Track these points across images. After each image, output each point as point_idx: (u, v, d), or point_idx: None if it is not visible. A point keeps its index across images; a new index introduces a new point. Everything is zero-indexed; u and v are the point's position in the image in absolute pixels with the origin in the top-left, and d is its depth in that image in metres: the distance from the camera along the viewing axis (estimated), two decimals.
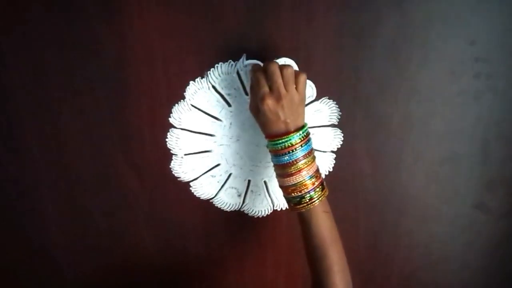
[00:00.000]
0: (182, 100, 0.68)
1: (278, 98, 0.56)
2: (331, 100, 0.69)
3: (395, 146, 0.72)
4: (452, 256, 0.81)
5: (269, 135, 0.60)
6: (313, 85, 0.67)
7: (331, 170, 0.73)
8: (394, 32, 0.65)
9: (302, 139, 0.58)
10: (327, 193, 0.61)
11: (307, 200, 0.58)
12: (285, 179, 0.59)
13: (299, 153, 0.58)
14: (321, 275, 0.58)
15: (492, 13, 0.64)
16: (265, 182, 0.74)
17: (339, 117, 0.70)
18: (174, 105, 0.69)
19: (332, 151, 0.72)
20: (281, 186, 0.62)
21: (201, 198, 0.75)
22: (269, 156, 0.71)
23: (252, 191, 0.75)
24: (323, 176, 0.72)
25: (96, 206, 0.77)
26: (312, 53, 0.66)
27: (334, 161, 0.73)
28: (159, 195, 0.76)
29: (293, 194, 0.59)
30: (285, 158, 0.58)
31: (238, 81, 0.67)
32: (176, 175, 0.74)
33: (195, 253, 0.81)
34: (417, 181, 0.75)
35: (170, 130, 0.70)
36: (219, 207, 0.76)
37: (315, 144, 0.71)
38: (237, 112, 0.69)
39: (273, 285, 0.84)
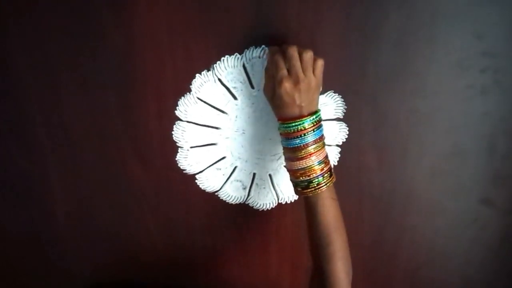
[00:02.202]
0: (188, 93, 0.69)
1: (296, 82, 0.56)
2: (337, 94, 0.69)
3: (401, 141, 0.72)
4: (457, 251, 0.81)
5: (282, 117, 0.60)
6: None
7: (336, 164, 0.73)
8: (400, 26, 0.64)
9: (314, 124, 0.58)
10: (334, 179, 0.62)
11: (315, 185, 0.59)
12: (294, 162, 0.60)
13: (310, 137, 0.58)
14: (323, 262, 0.59)
15: (499, 7, 0.64)
16: (270, 175, 0.75)
17: (345, 111, 0.70)
18: (180, 98, 0.69)
19: (338, 145, 0.72)
20: (289, 170, 0.63)
21: (206, 190, 0.76)
22: (274, 150, 0.72)
23: (257, 184, 0.75)
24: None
25: (102, 198, 0.78)
26: (318, 47, 0.66)
27: (339, 155, 0.73)
28: (165, 188, 0.77)
29: (301, 178, 0.60)
30: (296, 141, 0.58)
31: (244, 74, 0.67)
32: (181, 167, 0.74)
33: (200, 245, 0.82)
34: (422, 176, 0.75)
35: (176, 123, 0.71)
36: (224, 200, 0.77)
37: None
38: (243, 105, 0.69)
39: (278, 277, 0.84)
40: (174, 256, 0.84)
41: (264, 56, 0.65)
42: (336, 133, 0.71)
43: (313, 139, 0.58)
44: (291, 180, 0.63)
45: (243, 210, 0.77)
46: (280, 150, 0.72)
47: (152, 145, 0.73)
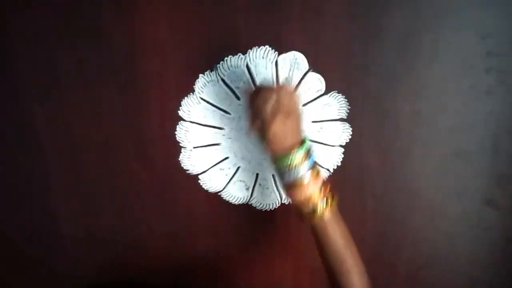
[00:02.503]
0: (191, 93, 0.69)
1: (271, 119, 0.56)
2: (340, 94, 0.68)
3: (404, 141, 0.72)
4: (460, 252, 0.81)
5: (272, 155, 0.59)
6: (322, 79, 0.67)
7: (339, 164, 0.73)
8: (404, 26, 0.64)
9: (305, 154, 0.58)
10: (337, 198, 0.60)
11: (319, 212, 0.58)
12: (293, 193, 0.59)
13: (304, 168, 0.57)
14: (340, 279, 0.59)
15: (504, 7, 0.63)
16: (273, 175, 0.74)
17: (348, 111, 0.69)
18: (183, 98, 0.69)
19: (341, 145, 0.72)
20: (290, 201, 0.62)
21: (209, 191, 0.76)
22: None
23: (260, 184, 0.75)
24: (331, 170, 0.72)
25: (104, 198, 0.78)
26: (321, 47, 0.66)
27: (342, 155, 0.73)
28: (167, 187, 0.77)
29: (303, 208, 0.59)
30: (291, 175, 0.58)
31: (248, 74, 0.67)
32: (184, 167, 0.74)
33: (202, 245, 0.82)
34: (425, 176, 0.74)
35: (179, 123, 0.71)
36: (227, 200, 0.77)
37: (324, 138, 0.71)
38: (246, 106, 0.69)
39: (280, 278, 0.84)
40: (176, 256, 0.84)
41: (268, 57, 0.65)
42: (339, 134, 0.71)
43: (307, 169, 0.57)
44: (295, 211, 0.62)
45: (246, 210, 0.77)
46: None
47: (155, 145, 0.73)
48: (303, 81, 0.67)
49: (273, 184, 0.75)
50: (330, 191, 0.60)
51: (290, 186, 0.59)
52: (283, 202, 0.76)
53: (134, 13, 0.64)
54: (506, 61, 0.66)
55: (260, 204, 0.77)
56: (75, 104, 0.71)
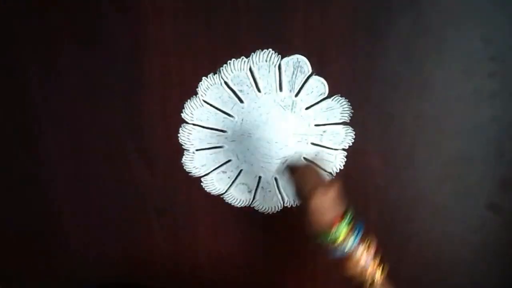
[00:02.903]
0: (194, 96, 0.69)
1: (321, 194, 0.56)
2: (343, 98, 0.68)
3: (407, 145, 0.72)
4: (463, 255, 0.81)
5: (317, 233, 0.58)
6: (325, 82, 0.67)
7: (342, 167, 0.73)
8: (408, 30, 0.64)
9: (350, 227, 0.56)
10: (387, 268, 0.59)
11: (375, 281, 0.57)
12: (347, 268, 0.58)
13: (351, 243, 0.56)
14: None
15: (507, 12, 0.63)
16: (275, 178, 0.74)
17: (351, 115, 0.69)
18: (186, 101, 0.69)
19: (344, 149, 0.72)
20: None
21: (211, 193, 0.76)
22: (280, 153, 0.72)
23: (262, 187, 0.75)
24: (333, 174, 0.72)
25: (108, 201, 0.79)
26: (325, 51, 0.66)
27: (345, 159, 0.72)
28: (170, 189, 0.77)
29: (360, 277, 0.58)
30: (339, 251, 0.56)
31: (251, 78, 0.67)
32: (187, 170, 0.74)
33: (204, 247, 0.82)
34: (428, 180, 0.74)
35: (182, 125, 0.71)
36: (229, 202, 0.77)
37: (326, 141, 0.71)
38: (249, 109, 0.69)
39: (283, 280, 0.84)
40: (178, 258, 0.84)
41: (271, 60, 0.65)
42: (342, 137, 0.71)
43: (355, 244, 0.56)
44: (351, 279, 0.60)
45: (249, 213, 0.77)
46: (286, 153, 0.72)
47: (157, 147, 0.73)
48: (306, 84, 0.67)
49: (276, 187, 0.75)
50: (379, 257, 0.59)
51: (342, 261, 0.57)
52: (285, 205, 0.76)
53: (138, 16, 0.65)
54: (510, 66, 0.65)
55: (263, 207, 0.77)
56: (78, 106, 0.71)
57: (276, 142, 0.71)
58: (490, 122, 0.70)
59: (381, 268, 0.58)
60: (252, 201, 0.76)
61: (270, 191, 0.75)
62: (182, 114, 0.70)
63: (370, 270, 0.57)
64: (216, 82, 0.68)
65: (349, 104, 0.69)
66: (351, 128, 0.70)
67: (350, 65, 0.66)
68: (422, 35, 0.64)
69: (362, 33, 0.64)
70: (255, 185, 0.75)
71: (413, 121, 0.70)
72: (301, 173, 0.58)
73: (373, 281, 0.57)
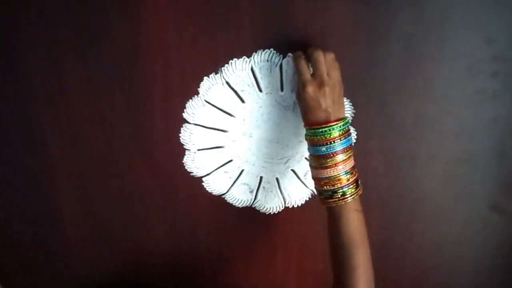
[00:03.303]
0: (196, 96, 0.69)
1: (321, 85, 0.56)
2: (345, 98, 0.68)
3: (409, 145, 0.71)
4: (465, 257, 0.80)
5: (308, 122, 0.59)
6: None
7: None
8: (410, 29, 0.64)
9: (342, 132, 0.57)
10: (361, 191, 0.59)
11: (339, 196, 0.57)
12: (320, 171, 0.58)
13: (338, 146, 0.56)
14: (344, 276, 0.57)
15: (510, 11, 0.63)
16: (277, 179, 0.74)
17: (353, 115, 0.69)
18: (188, 101, 0.69)
19: None
20: (314, 177, 0.61)
21: (213, 193, 0.76)
22: (282, 153, 0.72)
23: (264, 187, 0.75)
24: None
25: (110, 198, 0.79)
26: (326, 50, 0.65)
27: None
28: (171, 190, 0.77)
29: (325, 187, 0.58)
30: (323, 149, 0.57)
31: (252, 78, 0.67)
32: (188, 170, 0.74)
33: (206, 248, 0.82)
34: (430, 180, 0.74)
35: (183, 125, 0.71)
36: (230, 203, 0.76)
37: None
38: (251, 108, 0.69)
39: (284, 282, 0.84)
40: (179, 258, 0.84)
41: (273, 60, 0.65)
42: None
43: (341, 148, 0.57)
44: (315, 187, 0.62)
45: (250, 213, 0.77)
46: (287, 153, 0.72)
47: (159, 147, 0.73)
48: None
49: (277, 188, 0.75)
50: (356, 181, 0.59)
51: (321, 161, 0.57)
52: (286, 205, 0.76)
53: (139, 15, 0.65)
54: None
55: (264, 207, 0.76)
56: (80, 105, 0.71)
57: (277, 142, 0.71)
58: (493, 123, 0.69)
59: (355, 187, 0.58)
60: (254, 201, 0.76)
61: (271, 191, 0.75)
62: (183, 114, 0.70)
63: (344, 181, 0.57)
64: (218, 82, 0.68)
65: (351, 104, 0.68)
66: (352, 128, 0.70)
67: (351, 64, 0.66)
68: (423, 35, 0.64)
69: (363, 32, 0.64)
70: (257, 185, 0.75)
71: (414, 121, 0.69)
72: (301, 61, 0.58)
73: (344, 194, 0.57)
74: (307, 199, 0.76)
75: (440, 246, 0.79)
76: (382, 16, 0.63)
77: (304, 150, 0.71)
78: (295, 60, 0.60)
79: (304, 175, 0.74)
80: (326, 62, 0.57)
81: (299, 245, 0.80)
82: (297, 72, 0.59)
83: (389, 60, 0.66)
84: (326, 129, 0.56)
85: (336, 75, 0.57)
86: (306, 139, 0.61)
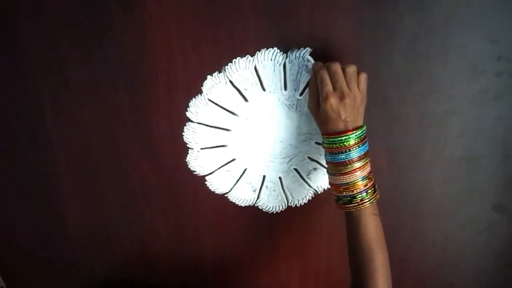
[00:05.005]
0: (199, 94, 0.69)
1: (341, 97, 0.57)
2: None
3: (412, 144, 0.71)
4: (468, 257, 0.80)
5: (327, 132, 0.60)
6: None
7: None
8: (414, 29, 0.64)
9: (360, 140, 0.58)
10: (378, 196, 0.61)
11: (358, 201, 0.59)
12: (338, 177, 0.60)
13: (355, 153, 0.58)
14: (364, 279, 0.58)
15: None
16: (280, 178, 0.74)
17: None
18: (191, 99, 0.69)
19: None
20: (332, 184, 0.63)
21: (216, 192, 0.76)
22: (285, 152, 0.72)
23: (267, 186, 0.75)
24: None
25: (113, 197, 0.79)
26: (329, 49, 0.65)
27: None
28: (174, 188, 0.77)
29: (344, 193, 0.60)
30: (341, 156, 0.58)
31: (256, 76, 0.67)
32: (192, 168, 0.74)
33: (209, 247, 0.82)
34: (434, 180, 0.74)
35: (187, 124, 0.71)
36: (233, 202, 0.77)
37: None
38: (254, 107, 0.69)
39: (286, 281, 0.84)
40: (182, 257, 0.84)
41: (276, 59, 0.65)
42: None
43: (358, 155, 0.58)
44: (334, 194, 0.63)
45: (253, 212, 0.77)
46: (290, 153, 0.72)
47: (162, 146, 0.74)
48: (310, 69, 0.66)
49: (280, 187, 0.75)
50: (374, 186, 0.61)
51: (339, 168, 0.59)
52: (289, 204, 0.76)
53: (143, 14, 0.65)
54: None
55: (267, 206, 0.76)
56: (84, 104, 0.71)
57: (280, 141, 0.71)
58: (497, 122, 0.69)
59: (372, 191, 0.60)
60: (256, 200, 0.76)
61: (274, 190, 0.75)
62: (187, 112, 0.70)
63: (361, 186, 0.58)
64: (221, 81, 0.68)
65: None
66: None
67: (355, 63, 0.66)
68: (427, 35, 0.64)
69: (367, 32, 0.64)
70: (259, 184, 0.75)
71: (418, 120, 0.69)
72: (324, 73, 0.59)
73: (362, 199, 0.58)
74: (310, 198, 0.76)
75: (444, 245, 0.79)
76: (386, 17, 0.63)
77: (307, 149, 0.71)
78: (318, 71, 0.60)
79: (307, 175, 0.74)
80: (346, 74, 0.57)
81: (301, 245, 0.80)
82: (319, 83, 0.59)
83: (394, 60, 0.66)
84: (344, 137, 0.58)
85: (354, 88, 0.57)
86: (323, 147, 0.62)
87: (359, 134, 0.58)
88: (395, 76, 0.67)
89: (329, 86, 0.57)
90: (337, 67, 0.58)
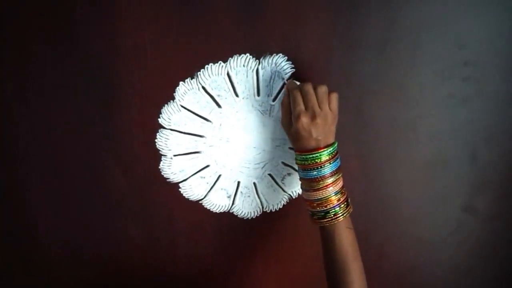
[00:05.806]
0: (171, 101, 0.68)
1: (313, 117, 0.58)
2: None
3: (384, 148, 0.72)
4: (440, 258, 0.82)
5: (299, 149, 0.61)
6: None
7: None
8: (383, 35, 0.65)
9: (331, 156, 0.59)
10: (351, 210, 0.62)
11: (332, 215, 0.60)
12: (311, 193, 0.61)
13: (327, 169, 0.59)
14: None
15: (482, 18, 0.65)
16: (254, 183, 0.74)
17: None
18: (164, 106, 0.68)
19: None
20: (305, 200, 0.63)
21: (190, 199, 0.75)
22: (259, 158, 0.71)
23: (241, 192, 0.75)
24: None
25: (85, 205, 0.77)
26: (300, 55, 0.66)
27: None
28: (148, 196, 0.76)
29: (318, 208, 0.61)
30: (313, 173, 0.59)
31: (229, 82, 0.67)
32: (165, 176, 0.73)
33: (183, 254, 0.81)
34: (405, 183, 0.75)
35: (159, 130, 0.70)
36: (208, 208, 0.76)
37: None
38: (227, 113, 0.69)
39: (263, 285, 0.83)
40: (157, 265, 0.82)
41: (249, 65, 0.65)
42: None
43: (330, 171, 0.59)
44: (308, 210, 0.63)
45: (228, 218, 0.77)
46: (264, 158, 0.72)
47: (134, 153, 0.72)
48: (284, 89, 0.67)
49: (255, 192, 0.75)
50: (346, 200, 0.62)
51: (312, 184, 0.60)
52: (264, 210, 0.76)
53: (114, 18, 0.64)
54: (483, 70, 0.67)
55: (242, 212, 0.76)
56: (53, 111, 0.69)
57: (254, 147, 0.71)
58: (465, 126, 0.71)
59: (345, 206, 0.61)
60: (231, 207, 0.76)
61: (249, 196, 0.75)
62: (159, 119, 0.69)
63: (334, 201, 0.60)
64: (194, 87, 0.67)
65: None
66: None
67: (327, 69, 0.67)
68: (396, 40, 0.65)
69: (336, 37, 0.65)
70: (234, 190, 0.75)
71: (389, 124, 0.70)
72: (297, 93, 0.60)
73: (336, 213, 0.60)
74: (285, 203, 0.76)
75: (416, 247, 0.81)
76: (355, 22, 0.64)
77: (280, 154, 0.71)
78: (292, 91, 0.61)
79: (282, 180, 0.74)
80: (318, 94, 0.59)
81: (278, 250, 0.80)
82: (292, 102, 0.60)
83: (364, 66, 0.67)
84: (316, 155, 0.59)
85: (325, 108, 0.59)
86: (296, 163, 0.63)
87: (330, 151, 0.59)
88: (364, 80, 0.68)
89: (301, 106, 0.59)
90: (309, 87, 0.59)
